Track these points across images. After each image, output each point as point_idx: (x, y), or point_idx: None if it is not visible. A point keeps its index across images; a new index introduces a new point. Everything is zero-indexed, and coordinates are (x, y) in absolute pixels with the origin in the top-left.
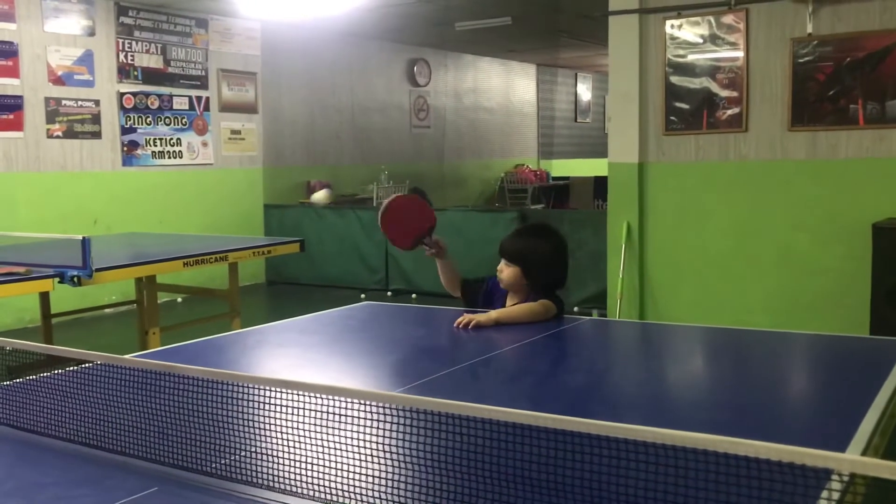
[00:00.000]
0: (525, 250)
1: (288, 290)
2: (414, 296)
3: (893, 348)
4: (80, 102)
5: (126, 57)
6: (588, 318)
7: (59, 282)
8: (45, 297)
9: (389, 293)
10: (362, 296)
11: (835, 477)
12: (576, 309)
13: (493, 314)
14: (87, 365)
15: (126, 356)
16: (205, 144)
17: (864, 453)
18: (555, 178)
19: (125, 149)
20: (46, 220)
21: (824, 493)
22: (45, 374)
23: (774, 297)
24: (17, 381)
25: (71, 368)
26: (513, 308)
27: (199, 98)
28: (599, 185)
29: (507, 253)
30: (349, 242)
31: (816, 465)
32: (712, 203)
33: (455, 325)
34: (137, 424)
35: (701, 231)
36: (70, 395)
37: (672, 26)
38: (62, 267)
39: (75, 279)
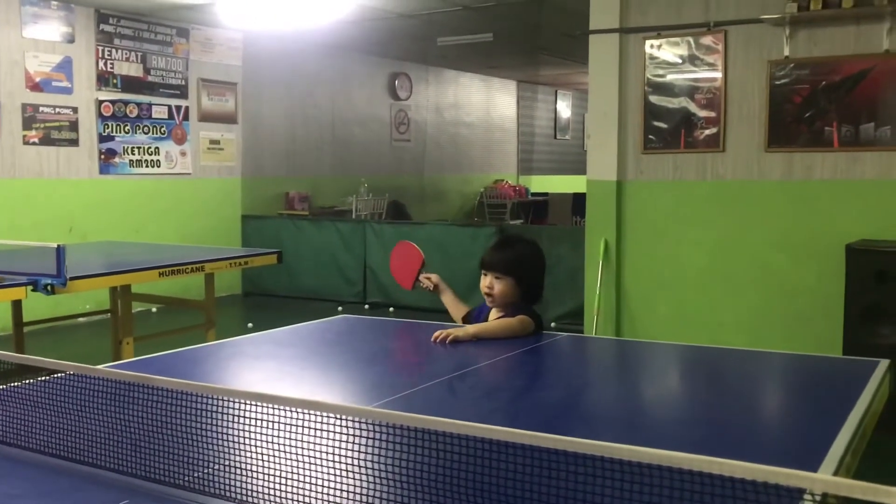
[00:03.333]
0: (516, 260)
1: (264, 302)
2: (391, 309)
3: (865, 368)
4: (57, 109)
5: (105, 64)
6: (565, 334)
7: (33, 290)
8: (17, 305)
9: (367, 306)
10: (339, 308)
11: (807, 496)
12: (553, 325)
13: (471, 329)
14: (58, 375)
15: (99, 366)
16: (183, 154)
17: (836, 473)
18: (534, 194)
19: (102, 157)
20: (21, 227)
21: None
22: (15, 384)
23: (749, 315)
24: None
25: (42, 378)
26: (490, 323)
27: (178, 107)
28: (578, 201)
29: (497, 266)
30: (327, 254)
31: (790, 485)
32: (689, 222)
33: (432, 339)
34: (109, 436)
35: (677, 249)
36: (41, 406)
37: (652, 46)
38: (36, 275)
39: (49, 287)
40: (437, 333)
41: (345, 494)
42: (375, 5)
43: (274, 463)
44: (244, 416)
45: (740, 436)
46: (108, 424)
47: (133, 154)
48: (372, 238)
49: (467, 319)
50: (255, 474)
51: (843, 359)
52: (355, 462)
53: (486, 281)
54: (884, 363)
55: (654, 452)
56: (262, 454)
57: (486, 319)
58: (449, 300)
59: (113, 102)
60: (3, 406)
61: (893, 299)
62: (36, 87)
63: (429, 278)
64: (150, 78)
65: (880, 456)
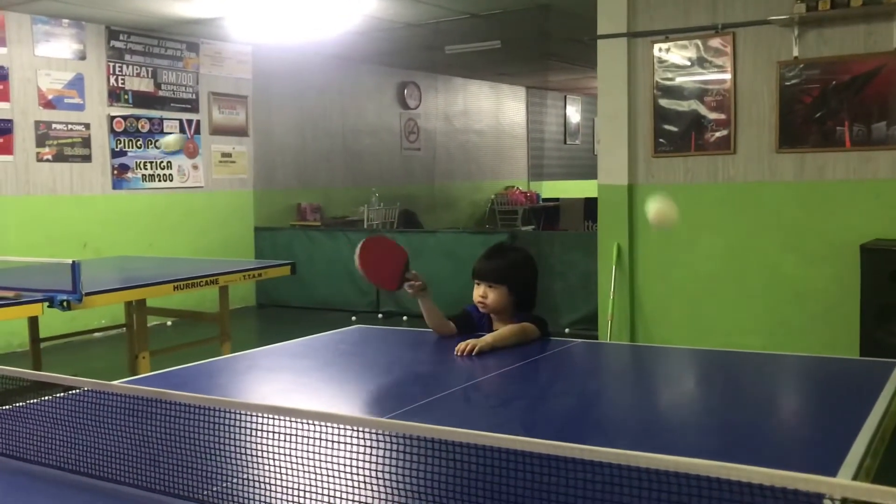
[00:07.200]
0: (508, 268)
1: (278, 313)
2: (405, 318)
3: (883, 369)
4: (70, 126)
5: (117, 80)
6: (579, 340)
7: (49, 306)
8: (33, 322)
9: (380, 315)
10: (353, 318)
11: (827, 501)
12: (567, 330)
13: (489, 338)
14: (75, 391)
15: (115, 382)
16: (195, 167)
17: (855, 476)
18: (545, 200)
19: (115, 172)
20: (36, 244)
21: None
22: (33, 401)
23: (764, 318)
24: (5, 407)
25: (59, 395)
26: (503, 330)
27: (189, 121)
28: (589, 206)
29: (489, 275)
30: (340, 264)
31: (809, 490)
32: (701, 225)
33: (456, 352)
34: (127, 451)
35: (690, 252)
36: (59, 422)
37: (660, 49)
38: (52, 291)
39: (65, 303)
40: (461, 345)
41: None
42: (383, 16)
43: (291, 475)
44: (261, 430)
45: (757, 440)
46: (126, 439)
47: (145, 169)
48: None
49: (465, 323)
50: (272, 487)
51: (859, 360)
52: (372, 473)
53: (479, 290)
54: None
55: (671, 459)
56: (279, 467)
57: (487, 324)
58: (429, 305)
59: (125, 118)
60: (21, 423)
61: None
62: (48, 104)
63: (417, 276)
64: (160, 93)
65: None
